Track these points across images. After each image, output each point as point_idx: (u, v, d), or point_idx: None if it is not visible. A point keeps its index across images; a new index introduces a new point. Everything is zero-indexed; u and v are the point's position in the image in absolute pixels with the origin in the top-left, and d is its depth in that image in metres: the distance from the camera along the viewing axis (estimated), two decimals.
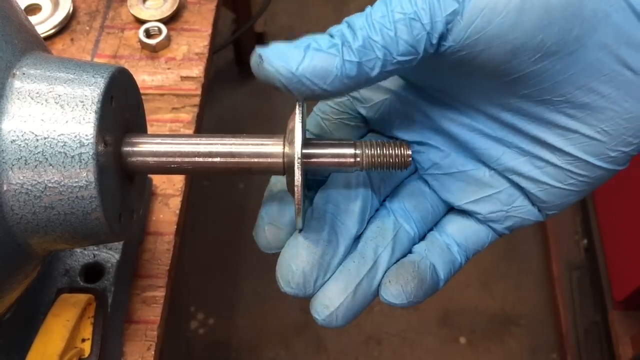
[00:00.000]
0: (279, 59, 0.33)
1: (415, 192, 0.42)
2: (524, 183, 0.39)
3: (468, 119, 0.39)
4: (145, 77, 0.75)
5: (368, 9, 0.34)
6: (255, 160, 0.41)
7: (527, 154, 0.38)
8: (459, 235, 0.41)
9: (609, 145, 0.35)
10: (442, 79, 0.38)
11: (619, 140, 0.34)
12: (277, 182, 0.43)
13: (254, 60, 0.34)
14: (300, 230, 0.40)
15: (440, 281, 0.40)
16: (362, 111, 0.42)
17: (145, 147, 0.42)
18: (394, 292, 0.38)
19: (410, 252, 0.41)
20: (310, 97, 0.34)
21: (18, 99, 0.38)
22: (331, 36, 0.34)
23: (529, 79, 0.34)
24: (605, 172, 0.36)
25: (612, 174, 0.36)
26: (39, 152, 0.38)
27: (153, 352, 0.59)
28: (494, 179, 0.40)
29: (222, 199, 1.69)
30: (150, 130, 0.69)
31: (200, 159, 0.42)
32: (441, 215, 0.43)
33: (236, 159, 0.41)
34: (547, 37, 0.32)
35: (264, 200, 0.42)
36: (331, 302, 0.38)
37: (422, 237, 0.42)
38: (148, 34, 0.77)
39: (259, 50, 0.33)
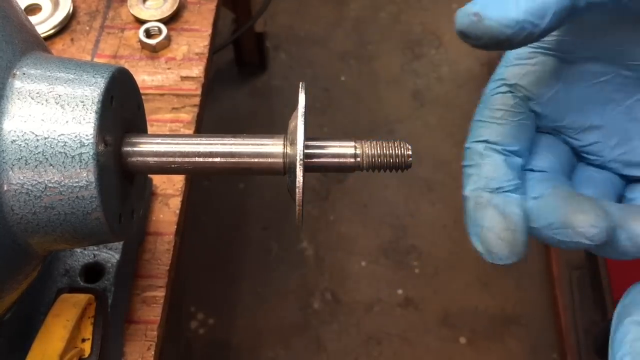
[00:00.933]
0: (497, 10, 0.32)
1: (594, 180, 0.41)
2: None
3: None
4: (145, 77, 0.75)
5: None
6: (255, 160, 0.41)
7: None
8: None
9: None
10: (617, 38, 0.38)
11: None
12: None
13: (466, 20, 0.32)
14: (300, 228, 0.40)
15: None
16: (536, 108, 0.41)
17: (146, 147, 0.42)
18: None
19: None
20: (524, 43, 0.33)
21: (18, 99, 0.38)
22: None
23: None
24: None
25: None
26: (39, 152, 0.38)
27: (153, 352, 0.59)
28: None
29: (222, 199, 1.69)
30: (150, 130, 0.69)
31: (201, 159, 0.42)
32: (623, 188, 0.42)
33: (236, 159, 0.41)
34: None
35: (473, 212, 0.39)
36: None
37: None
38: (148, 34, 0.77)
39: (472, 8, 0.32)
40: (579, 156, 0.42)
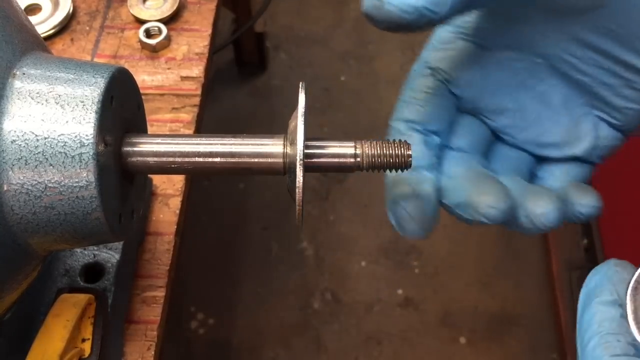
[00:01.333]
0: None
1: (508, 159, 0.44)
2: (607, 111, 0.42)
3: (557, 62, 0.41)
4: (145, 77, 0.75)
5: None
6: (255, 160, 0.41)
7: (610, 82, 0.40)
8: (570, 177, 0.44)
9: None
10: (529, 27, 0.40)
11: None
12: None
13: (370, 4, 0.34)
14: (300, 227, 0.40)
15: None
16: (456, 91, 0.43)
17: (146, 147, 0.42)
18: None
19: None
20: (426, 27, 0.35)
21: (18, 99, 0.38)
22: None
23: (609, 13, 0.37)
24: None
25: None
26: (39, 152, 0.38)
27: (153, 352, 0.59)
28: (580, 119, 0.43)
29: (222, 199, 1.69)
30: (150, 130, 0.69)
31: (201, 159, 0.42)
32: (534, 167, 0.45)
33: (236, 159, 0.41)
34: None
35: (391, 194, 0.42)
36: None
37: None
38: (148, 34, 0.77)
39: None
40: (496, 135, 0.45)
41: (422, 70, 0.44)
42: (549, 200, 0.39)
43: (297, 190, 0.37)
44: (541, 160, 0.45)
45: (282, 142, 0.41)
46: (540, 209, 0.39)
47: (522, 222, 0.39)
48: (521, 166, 0.44)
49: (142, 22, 0.78)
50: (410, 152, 0.40)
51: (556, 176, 0.44)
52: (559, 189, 0.42)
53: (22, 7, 0.71)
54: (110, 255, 0.58)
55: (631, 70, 0.39)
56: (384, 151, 0.40)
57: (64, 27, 0.78)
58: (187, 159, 0.42)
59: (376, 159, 0.40)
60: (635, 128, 0.43)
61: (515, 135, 0.44)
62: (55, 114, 0.38)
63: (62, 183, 0.38)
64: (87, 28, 0.78)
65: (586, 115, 0.42)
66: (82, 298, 0.51)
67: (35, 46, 0.43)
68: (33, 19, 0.76)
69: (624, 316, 0.32)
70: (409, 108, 0.43)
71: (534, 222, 0.39)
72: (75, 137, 0.38)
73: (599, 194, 0.41)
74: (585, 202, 0.40)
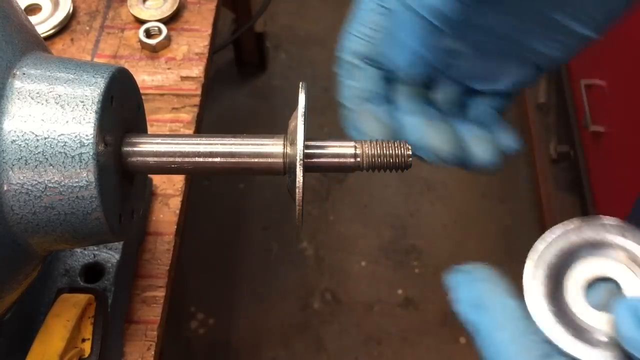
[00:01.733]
0: None
1: (445, 89, 0.49)
2: (535, 58, 0.47)
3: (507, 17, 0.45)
4: (145, 77, 0.75)
5: None
6: (255, 160, 0.41)
7: (543, 35, 0.45)
8: (491, 107, 0.50)
9: (596, 23, 0.44)
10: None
11: (600, 19, 0.44)
12: None
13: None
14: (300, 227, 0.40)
15: None
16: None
17: (146, 147, 0.42)
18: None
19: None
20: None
21: (18, 99, 0.38)
22: None
23: None
24: (591, 40, 0.46)
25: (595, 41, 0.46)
26: (39, 152, 0.38)
27: (153, 352, 0.59)
28: (507, 61, 0.48)
29: (222, 199, 1.69)
30: (150, 130, 0.69)
31: (201, 159, 0.42)
32: (463, 95, 0.50)
33: (236, 159, 0.41)
34: None
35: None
36: None
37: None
38: (148, 34, 0.77)
39: None
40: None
41: (372, 6, 0.46)
42: (489, 145, 0.46)
43: (297, 190, 0.37)
44: (470, 91, 0.50)
45: (282, 142, 0.41)
46: (484, 155, 0.45)
47: (469, 164, 0.45)
48: (454, 96, 0.49)
49: (142, 22, 0.78)
50: (410, 153, 0.40)
51: (480, 105, 0.50)
52: (484, 120, 0.48)
53: (22, 7, 0.71)
54: (110, 255, 0.58)
55: (555, 27, 0.45)
56: (384, 151, 0.40)
57: (64, 27, 0.78)
58: (187, 159, 0.42)
59: (376, 159, 0.40)
60: (550, 70, 0.50)
61: (452, 70, 0.49)
62: (55, 114, 0.38)
63: (62, 183, 0.38)
64: (87, 28, 0.78)
65: (512, 58, 0.48)
66: (82, 298, 0.51)
67: (35, 46, 0.43)
68: (33, 19, 0.76)
69: (529, 315, 0.31)
70: (360, 42, 0.46)
71: (481, 164, 0.45)
72: (75, 137, 0.38)
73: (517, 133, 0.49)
74: (509, 143, 0.47)
